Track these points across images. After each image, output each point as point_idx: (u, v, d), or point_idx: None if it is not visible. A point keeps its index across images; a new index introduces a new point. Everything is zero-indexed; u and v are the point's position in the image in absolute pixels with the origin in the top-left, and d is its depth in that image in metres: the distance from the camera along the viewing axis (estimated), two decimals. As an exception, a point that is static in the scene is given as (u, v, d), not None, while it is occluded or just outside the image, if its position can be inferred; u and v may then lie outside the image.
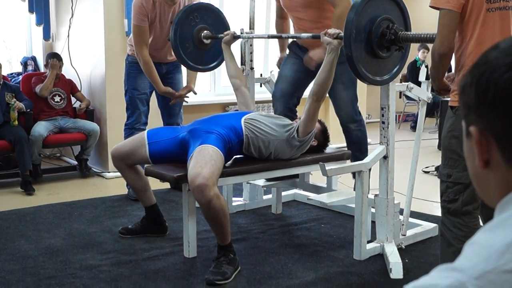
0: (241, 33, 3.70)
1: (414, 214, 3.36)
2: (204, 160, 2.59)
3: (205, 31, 3.50)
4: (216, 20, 3.58)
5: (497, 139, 0.69)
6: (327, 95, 3.17)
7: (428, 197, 3.95)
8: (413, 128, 7.28)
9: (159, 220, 3.21)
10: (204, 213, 2.58)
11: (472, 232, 2.10)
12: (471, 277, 0.61)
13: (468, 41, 2.08)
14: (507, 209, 0.68)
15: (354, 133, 3.63)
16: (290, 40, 3.83)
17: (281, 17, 3.80)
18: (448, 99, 2.23)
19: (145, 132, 3.07)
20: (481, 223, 2.26)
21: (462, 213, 2.13)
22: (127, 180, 3.20)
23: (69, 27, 5.12)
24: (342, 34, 2.53)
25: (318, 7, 3.38)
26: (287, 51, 3.75)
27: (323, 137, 3.19)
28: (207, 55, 3.58)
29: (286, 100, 3.59)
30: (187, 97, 3.95)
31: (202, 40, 3.50)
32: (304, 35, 3.09)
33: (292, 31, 3.84)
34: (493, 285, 0.60)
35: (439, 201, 2.25)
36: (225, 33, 3.35)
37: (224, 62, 3.42)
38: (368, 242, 2.91)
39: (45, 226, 3.39)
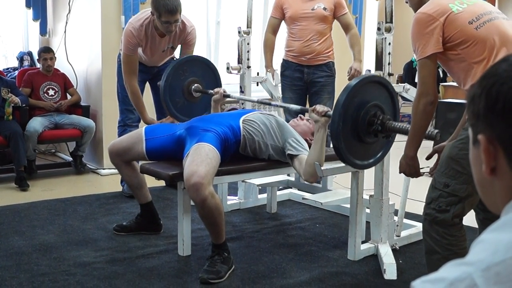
0: (239, 32, 3.70)
1: (409, 215, 3.37)
2: (200, 158, 2.58)
3: (195, 84, 3.41)
4: (205, 71, 3.48)
5: (505, 148, 0.72)
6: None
7: (423, 198, 3.93)
8: (409, 129, 7.29)
9: (154, 218, 3.21)
10: (199, 211, 2.58)
11: (457, 241, 2.04)
12: (478, 269, 0.63)
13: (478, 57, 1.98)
14: None
15: None
16: (284, 56, 4.17)
17: (274, 33, 4.14)
18: (448, 100, 2.19)
19: (143, 128, 3.06)
20: (465, 231, 2.20)
21: (450, 224, 2.05)
22: (123, 176, 3.19)
23: (66, 22, 5.10)
24: (330, 112, 2.47)
25: (329, 23, 4.06)
26: (280, 71, 4.05)
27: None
28: (197, 108, 3.43)
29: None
30: None
31: (192, 93, 3.43)
32: (292, 106, 3.01)
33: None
34: (498, 277, 0.62)
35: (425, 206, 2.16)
36: (215, 90, 3.28)
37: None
38: (363, 242, 2.92)
39: (39, 222, 3.38)
